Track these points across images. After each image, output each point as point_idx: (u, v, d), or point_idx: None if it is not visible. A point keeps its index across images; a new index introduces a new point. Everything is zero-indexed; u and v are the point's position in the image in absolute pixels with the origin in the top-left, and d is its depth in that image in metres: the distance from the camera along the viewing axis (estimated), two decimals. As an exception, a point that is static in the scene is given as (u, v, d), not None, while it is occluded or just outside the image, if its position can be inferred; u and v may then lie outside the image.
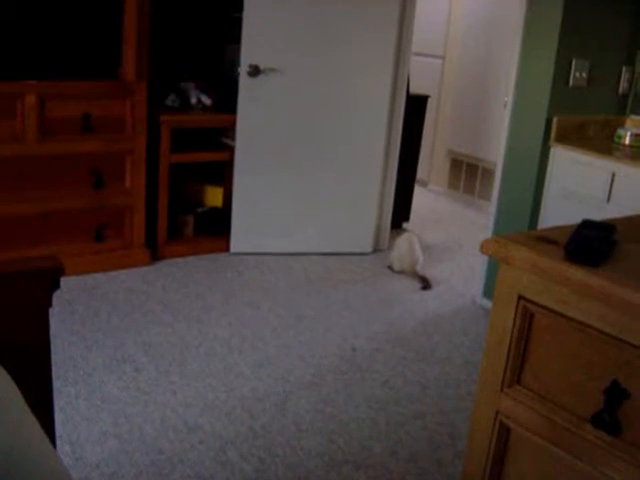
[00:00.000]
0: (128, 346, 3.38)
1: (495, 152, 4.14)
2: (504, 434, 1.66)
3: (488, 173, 5.99)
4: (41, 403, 1.66)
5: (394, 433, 2.87)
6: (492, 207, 4.11)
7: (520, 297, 1.57)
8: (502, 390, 1.64)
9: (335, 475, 2.58)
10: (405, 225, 5.52)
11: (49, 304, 1.69)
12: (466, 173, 6.56)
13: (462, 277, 4.63)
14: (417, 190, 5.85)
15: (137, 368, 3.19)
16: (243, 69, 4.33)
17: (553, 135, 3.72)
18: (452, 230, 5.70)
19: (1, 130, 3.73)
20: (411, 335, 3.76)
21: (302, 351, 3.48)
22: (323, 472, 2.59)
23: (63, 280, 1.71)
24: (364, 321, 3.87)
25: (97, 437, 2.67)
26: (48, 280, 1.66)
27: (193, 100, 4.54)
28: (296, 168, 4.63)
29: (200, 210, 4.74)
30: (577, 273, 1.44)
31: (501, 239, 1.61)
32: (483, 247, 1.61)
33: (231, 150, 4.56)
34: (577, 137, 3.78)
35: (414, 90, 5.35)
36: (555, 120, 3.70)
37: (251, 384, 3.14)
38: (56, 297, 1.80)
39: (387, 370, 3.37)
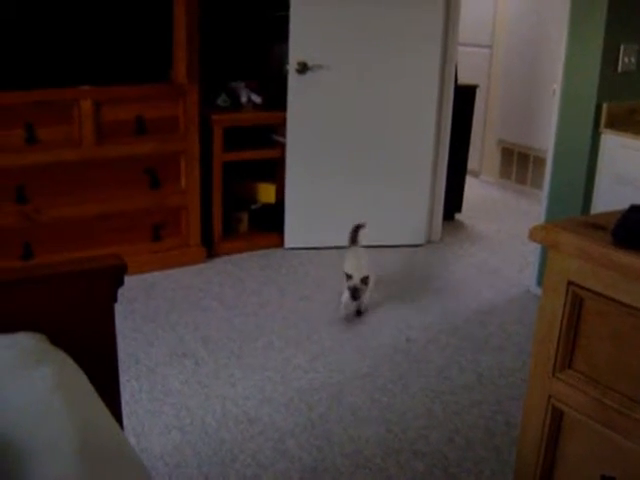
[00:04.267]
0: (187, 341, 3.47)
1: (546, 140, 4.11)
2: (557, 418, 1.69)
3: (540, 162, 5.94)
4: (110, 394, 1.74)
5: (450, 421, 2.90)
6: (544, 195, 4.10)
7: (569, 283, 1.59)
8: (554, 375, 1.66)
9: (393, 463, 2.62)
10: (457, 216, 5.52)
11: (114, 300, 1.78)
12: (517, 162, 6.52)
13: (516, 266, 4.61)
14: (469, 181, 5.83)
15: (197, 362, 3.28)
16: (291, 66, 4.39)
17: (603, 121, 3.69)
18: (505, 220, 5.67)
19: (59, 135, 3.86)
20: (465, 325, 3.78)
21: (357, 343, 3.53)
22: (381, 460, 2.64)
23: (123, 279, 1.80)
24: (418, 312, 3.90)
25: (160, 429, 2.76)
26: (113, 277, 1.74)
27: (243, 99, 4.62)
28: (346, 162, 4.67)
29: (254, 207, 4.81)
30: (625, 257, 1.46)
31: (549, 226, 1.64)
32: (532, 234, 1.64)
33: (282, 147, 4.62)
34: (628, 123, 3.74)
35: (462, 80, 5.35)
36: (605, 106, 3.67)
37: (308, 376, 3.20)
38: (118, 295, 1.88)
39: (442, 360, 3.40)
